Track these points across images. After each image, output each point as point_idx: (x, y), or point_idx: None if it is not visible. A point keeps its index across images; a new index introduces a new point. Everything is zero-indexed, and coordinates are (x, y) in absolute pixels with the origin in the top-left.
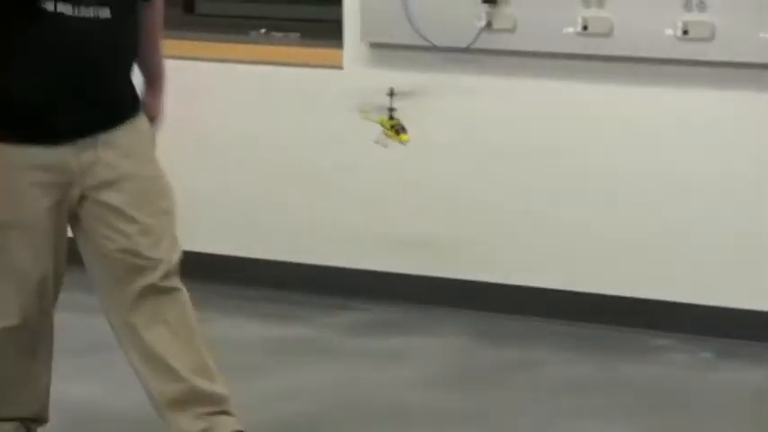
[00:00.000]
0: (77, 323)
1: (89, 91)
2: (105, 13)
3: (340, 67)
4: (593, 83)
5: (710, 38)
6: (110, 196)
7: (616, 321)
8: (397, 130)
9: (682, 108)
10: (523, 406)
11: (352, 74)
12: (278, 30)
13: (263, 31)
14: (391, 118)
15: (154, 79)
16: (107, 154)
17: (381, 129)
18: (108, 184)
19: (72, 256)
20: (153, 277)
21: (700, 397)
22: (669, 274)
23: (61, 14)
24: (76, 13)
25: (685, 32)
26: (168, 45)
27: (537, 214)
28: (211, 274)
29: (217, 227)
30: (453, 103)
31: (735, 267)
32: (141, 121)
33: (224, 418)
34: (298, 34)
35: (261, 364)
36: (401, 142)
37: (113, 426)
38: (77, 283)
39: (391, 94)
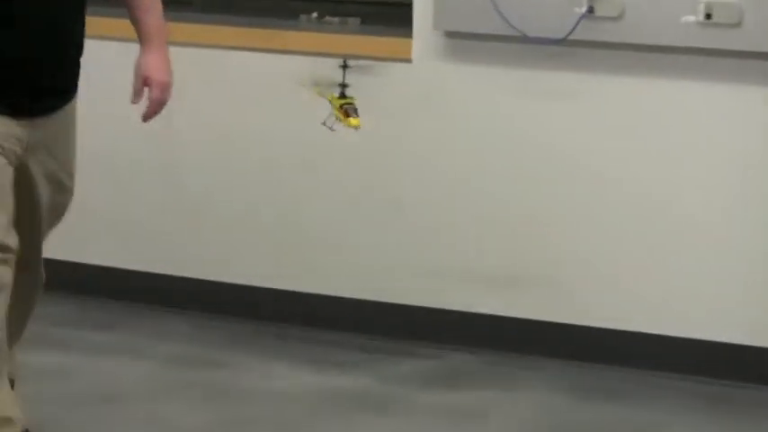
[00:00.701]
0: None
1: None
2: None
3: (408, 60)
4: (717, 82)
5: None
6: (39, 161)
7: (754, 377)
8: (347, 111)
9: None
10: None
11: (423, 68)
12: (333, 14)
13: (314, 15)
14: (343, 96)
15: (148, 31)
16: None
17: (331, 108)
18: (43, 148)
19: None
20: None
21: None
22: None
23: None
24: None
25: None
26: (202, 32)
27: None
28: (246, 308)
29: (250, 255)
30: (546, 107)
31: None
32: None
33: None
34: (358, 19)
35: (306, 421)
36: (350, 126)
37: None
38: None
39: (344, 66)
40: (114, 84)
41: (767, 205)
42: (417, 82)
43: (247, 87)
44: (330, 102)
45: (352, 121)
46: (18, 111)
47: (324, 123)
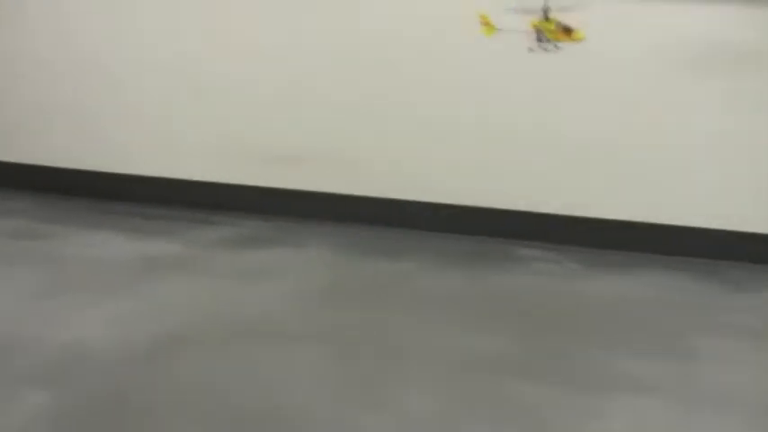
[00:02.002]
0: None
1: None
2: None
3: None
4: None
5: None
6: None
7: (482, 232)
8: (567, 28)
9: None
10: (393, 319)
11: None
12: None
13: None
14: (547, 19)
15: None
16: None
17: (538, 33)
18: None
19: None
20: None
21: (567, 305)
22: (535, 187)
23: None
24: None
25: None
26: None
27: (402, 127)
28: (76, 188)
29: (84, 141)
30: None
31: (599, 180)
32: None
33: None
34: None
35: (126, 280)
36: (577, 40)
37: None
38: None
39: None
40: None
41: None
42: None
43: None
44: (539, 27)
45: (579, 34)
46: None
47: (539, 48)
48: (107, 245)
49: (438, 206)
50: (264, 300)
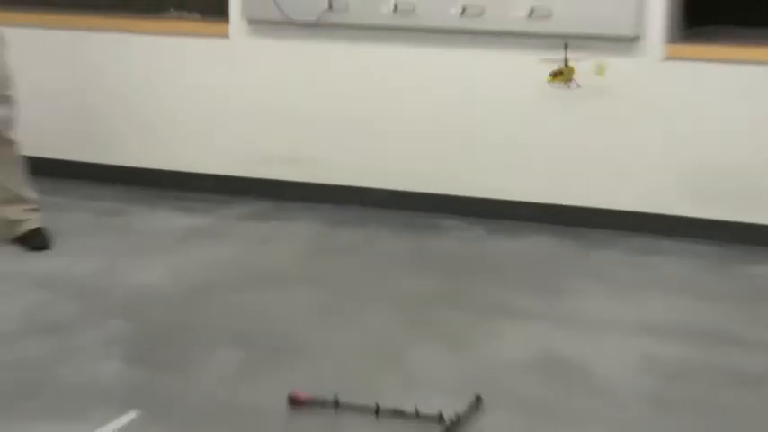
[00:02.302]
0: None
1: None
2: None
3: (226, 36)
4: (401, 45)
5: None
6: None
7: (418, 210)
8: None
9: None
10: (359, 269)
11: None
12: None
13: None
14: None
15: None
16: None
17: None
18: None
19: None
20: None
21: (477, 259)
22: (452, 175)
23: None
24: None
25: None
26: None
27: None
28: (143, 181)
29: (150, 148)
30: (319, 55)
31: (499, 168)
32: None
33: (35, 215)
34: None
35: (176, 244)
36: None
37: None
38: None
39: (565, 47)
40: None
41: None
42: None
43: None
44: (562, 74)
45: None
46: None
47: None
48: (164, 220)
49: (391, 192)
50: (270, 256)
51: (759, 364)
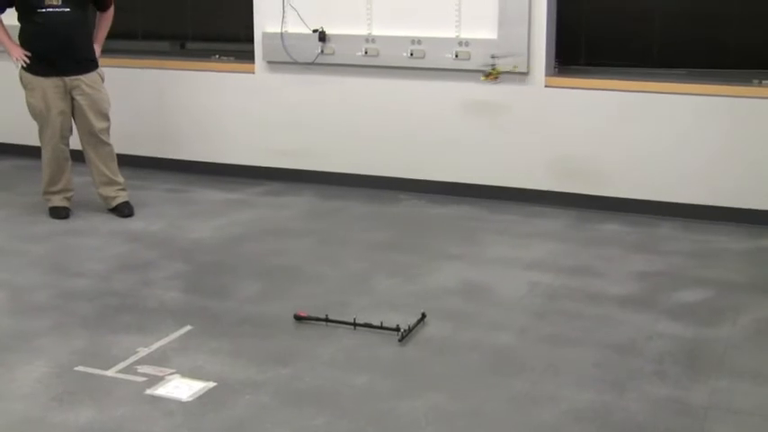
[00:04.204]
0: None
1: (68, 50)
2: (67, 10)
3: (252, 72)
4: (370, 77)
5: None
6: (80, 98)
7: (382, 187)
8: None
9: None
10: (341, 225)
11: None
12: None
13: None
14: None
15: (99, 40)
16: (81, 82)
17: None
18: (80, 93)
19: None
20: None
21: (421, 220)
22: (405, 163)
23: (48, 12)
24: (56, 10)
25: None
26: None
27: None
28: (198, 168)
29: (203, 145)
30: (315, 84)
31: (433, 157)
32: (98, 72)
33: (124, 192)
34: (232, 58)
35: (219, 211)
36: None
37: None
38: None
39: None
40: None
41: None
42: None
43: None
44: (491, 74)
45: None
46: (58, 72)
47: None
48: (209, 195)
49: (363, 175)
50: (282, 218)
51: (602, 286)
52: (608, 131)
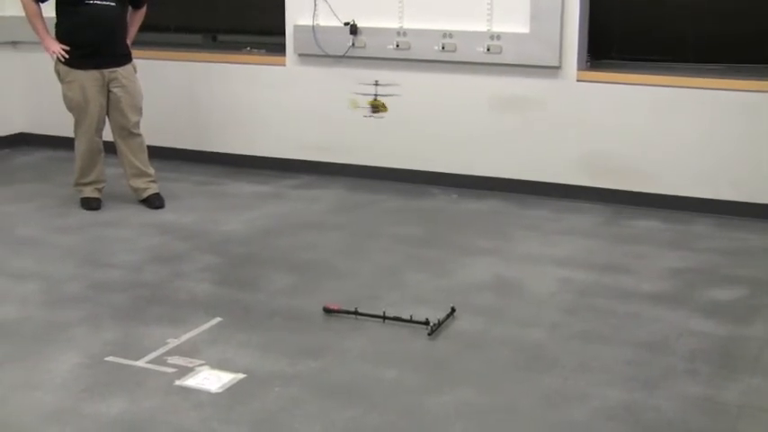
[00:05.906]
0: None
1: (110, 44)
2: (113, 4)
3: (284, 65)
4: (401, 71)
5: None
6: (117, 90)
7: (414, 181)
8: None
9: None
10: (372, 219)
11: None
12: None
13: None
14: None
15: (130, 37)
16: (118, 74)
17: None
18: (117, 85)
19: None
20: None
21: (451, 215)
22: (434, 156)
23: (94, 3)
24: (102, 3)
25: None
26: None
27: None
28: (229, 161)
29: (236, 139)
30: (346, 77)
31: (465, 151)
32: (132, 64)
33: (154, 184)
34: (263, 50)
35: (251, 204)
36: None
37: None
38: None
39: (376, 84)
40: None
41: None
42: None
43: None
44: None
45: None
46: (97, 66)
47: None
48: (240, 187)
49: (392, 168)
50: (312, 211)
51: (634, 283)
52: (641, 126)
